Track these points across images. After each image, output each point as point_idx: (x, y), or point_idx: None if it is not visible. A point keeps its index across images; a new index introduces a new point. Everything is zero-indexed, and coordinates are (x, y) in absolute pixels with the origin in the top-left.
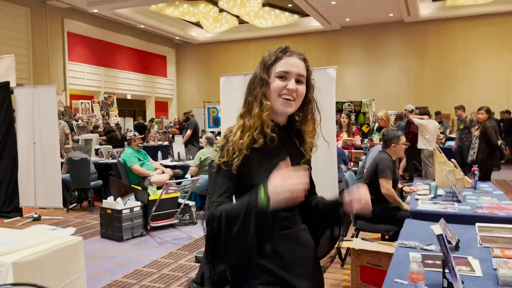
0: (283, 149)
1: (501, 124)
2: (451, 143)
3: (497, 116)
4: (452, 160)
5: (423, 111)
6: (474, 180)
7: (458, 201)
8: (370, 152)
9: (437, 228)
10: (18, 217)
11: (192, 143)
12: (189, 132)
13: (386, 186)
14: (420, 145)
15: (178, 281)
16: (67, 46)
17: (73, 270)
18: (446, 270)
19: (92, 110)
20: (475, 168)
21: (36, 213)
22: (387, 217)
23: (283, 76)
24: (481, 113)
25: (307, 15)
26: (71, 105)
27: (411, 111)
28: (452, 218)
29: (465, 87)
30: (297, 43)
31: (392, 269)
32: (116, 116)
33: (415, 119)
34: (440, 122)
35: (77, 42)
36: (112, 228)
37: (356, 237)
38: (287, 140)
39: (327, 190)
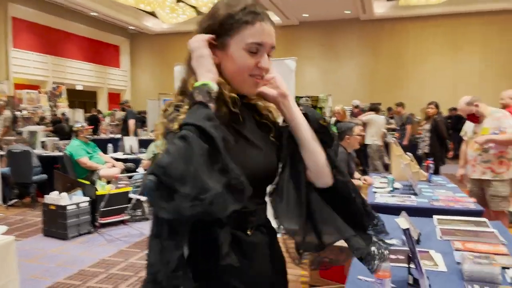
0: (244, 123)
1: (449, 120)
2: None
3: (446, 113)
4: (408, 153)
5: (372, 107)
6: (429, 173)
7: (415, 194)
8: None
9: (402, 221)
10: None
11: (130, 134)
12: (132, 121)
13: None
14: (368, 140)
15: (127, 281)
16: (11, 32)
17: (3, 274)
18: (411, 266)
19: (39, 100)
20: (429, 161)
21: None
22: None
23: (255, 50)
24: (430, 108)
25: (266, 9)
26: (15, 95)
27: (356, 107)
28: (410, 211)
29: (416, 85)
30: None
31: (354, 265)
32: (65, 108)
33: (363, 117)
34: (391, 118)
35: (23, 28)
36: (56, 225)
37: None
38: (246, 114)
39: None
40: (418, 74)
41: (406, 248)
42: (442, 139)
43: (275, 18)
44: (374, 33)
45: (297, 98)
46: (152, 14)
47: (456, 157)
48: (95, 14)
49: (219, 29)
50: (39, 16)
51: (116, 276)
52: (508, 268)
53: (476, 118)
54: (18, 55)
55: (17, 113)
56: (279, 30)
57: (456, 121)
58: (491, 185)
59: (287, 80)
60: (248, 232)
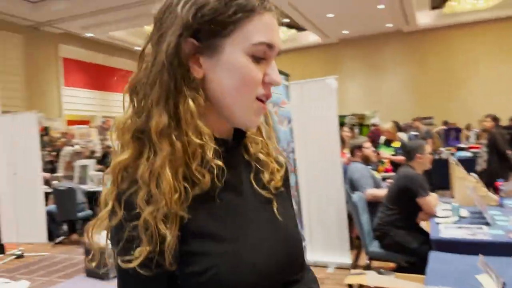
0: (238, 187)
1: (510, 131)
2: (462, 153)
3: (504, 123)
4: (473, 174)
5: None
6: (500, 197)
7: (487, 224)
8: (348, 170)
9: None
10: (0, 255)
11: None
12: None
13: (434, 202)
14: None
15: None
16: (62, 72)
17: None
18: None
19: (90, 135)
20: (499, 182)
21: (19, 250)
22: (407, 248)
23: (262, 54)
24: (487, 121)
25: (304, 29)
26: (67, 131)
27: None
28: (483, 248)
29: (469, 96)
30: (296, 58)
31: None
32: None
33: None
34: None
35: (73, 67)
36: (97, 264)
37: (369, 268)
38: (238, 166)
39: (331, 213)
40: (470, 84)
41: None
42: (501, 155)
43: (314, 37)
44: (419, 44)
45: (342, 118)
46: None
47: None
48: (138, 48)
49: (207, 23)
50: (86, 55)
51: None
52: None
53: None
54: (69, 93)
55: (70, 147)
56: (318, 50)
57: None
58: None
59: (329, 100)
60: None
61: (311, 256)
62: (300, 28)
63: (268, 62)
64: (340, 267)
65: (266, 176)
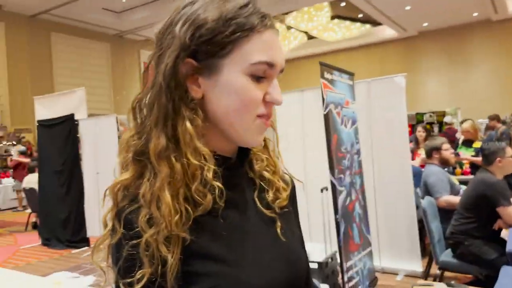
0: (241, 205)
1: None
2: None
3: None
4: None
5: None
6: None
7: None
8: (423, 173)
9: None
10: (86, 247)
11: None
12: None
13: None
14: None
15: None
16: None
17: None
18: None
19: None
20: None
21: None
22: (483, 260)
23: (262, 73)
24: None
25: (380, 24)
26: None
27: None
28: None
29: None
30: (372, 53)
31: None
32: None
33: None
34: None
35: (153, 71)
36: None
37: (440, 279)
38: (242, 183)
39: (400, 217)
40: None
41: None
42: None
43: (391, 31)
44: (510, 34)
45: (419, 115)
46: None
47: None
48: None
49: (205, 44)
50: None
51: None
52: None
53: None
54: None
55: None
56: (395, 45)
57: None
58: None
59: (398, 99)
60: None
61: (378, 262)
62: (375, 23)
63: (270, 80)
64: (410, 275)
65: (270, 195)
